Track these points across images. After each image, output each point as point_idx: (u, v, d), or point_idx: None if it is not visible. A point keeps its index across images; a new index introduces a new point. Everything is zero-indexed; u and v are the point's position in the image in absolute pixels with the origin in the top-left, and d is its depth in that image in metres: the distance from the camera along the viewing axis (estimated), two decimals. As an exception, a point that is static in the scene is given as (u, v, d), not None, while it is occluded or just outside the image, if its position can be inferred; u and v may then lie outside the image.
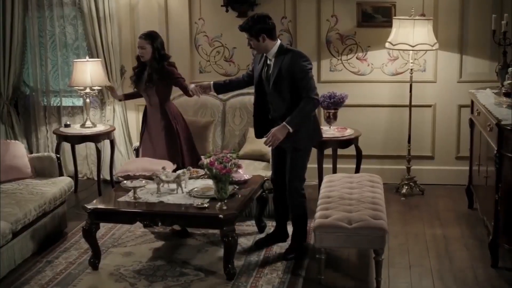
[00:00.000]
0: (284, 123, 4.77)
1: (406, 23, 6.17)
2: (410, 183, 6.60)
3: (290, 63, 4.78)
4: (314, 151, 6.21)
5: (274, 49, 4.86)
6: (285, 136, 4.79)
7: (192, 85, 5.41)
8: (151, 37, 5.65)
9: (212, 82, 5.36)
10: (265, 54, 4.93)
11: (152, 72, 5.62)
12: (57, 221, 5.58)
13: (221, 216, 4.56)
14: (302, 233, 5.15)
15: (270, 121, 5.00)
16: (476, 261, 4.95)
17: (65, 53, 7.25)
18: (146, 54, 5.61)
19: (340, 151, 6.48)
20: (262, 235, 5.44)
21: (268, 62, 4.92)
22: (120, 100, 6.57)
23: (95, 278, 4.76)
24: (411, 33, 6.11)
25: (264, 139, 4.88)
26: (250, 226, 5.68)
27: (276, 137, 4.77)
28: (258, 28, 4.80)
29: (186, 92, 5.70)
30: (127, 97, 6.29)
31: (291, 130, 4.75)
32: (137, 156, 6.10)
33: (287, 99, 4.84)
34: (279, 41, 4.91)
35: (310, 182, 6.54)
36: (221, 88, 5.39)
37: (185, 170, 5.17)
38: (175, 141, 5.74)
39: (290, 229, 5.25)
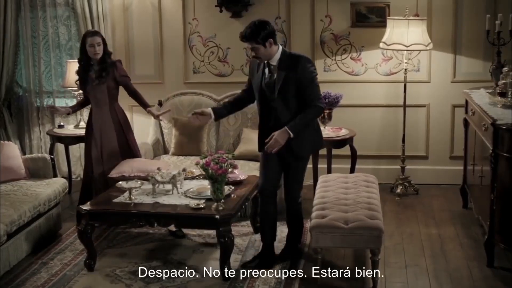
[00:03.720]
0: (285, 127, 4.59)
1: (400, 23, 6.18)
2: (405, 183, 6.61)
3: (297, 68, 4.58)
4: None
5: (278, 54, 4.66)
6: (286, 143, 4.64)
7: (189, 115, 4.99)
8: (101, 33, 5.72)
9: (210, 109, 4.96)
10: (265, 62, 4.71)
11: (102, 69, 5.58)
12: (51, 222, 5.56)
13: (217, 216, 4.55)
14: (297, 235, 5.12)
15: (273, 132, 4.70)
16: (472, 261, 4.96)
17: (58, 54, 7.22)
18: (101, 51, 5.59)
19: (334, 151, 6.48)
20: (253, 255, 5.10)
21: (271, 68, 4.70)
22: (68, 114, 6.19)
23: (90, 279, 4.74)
24: (405, 33, 6.13)
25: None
26: (245, 226, 5.67)
27: (277, 142, 4.58)
28: (265, 34, 4.55)
29: (130, 93, 5.75)
30: (76, 107, 6.07)
31: (292, 135, 4.59)
32: (87, 165, 5.82)
33: (293, 106, 4.66)
34: (280, 46, 4.73)
35: (305, 182, 6.53)
36: (221, 112, 5.03)
37: (180, 170, 5.16)
38: (126, 142, 5.76)
39: (281, 231, 5.22)
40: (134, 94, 5.77)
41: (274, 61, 4.68)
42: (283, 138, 4.59)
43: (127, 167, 5.54)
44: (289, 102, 4.66)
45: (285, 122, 4.64)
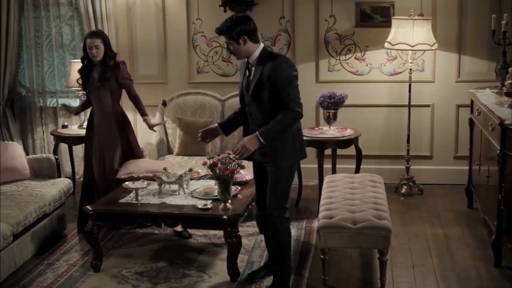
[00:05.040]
0: (256, 132, 4.18)
1: (405, 23, 6.17)
2: (409, 183, 6.60)
3: (272, 68, 4.17)
4: (314, 151, 6.23)
5: (257, 53, 4.26)
6: (264, 152, 4.27)
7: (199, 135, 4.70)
8: (102, 34, 5.59)
9: (217, 125, 4.69)
10: (246, 60, 4.36)
11: (105, 70, 5.48)
12: (56, 223, 5.54)
13: (225, 217, 4.54)
14: (271, 256, 4.65)
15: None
16: (478, 261, 4.96)
17: (61, 54, 7.20)
18: (100, 53, 5.48)
19: (338, 151, 6.45)
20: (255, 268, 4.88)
21: (250, 68, 4.34)
22: (77, 113, 6.24)
23: (97, 280, 4.72)
24: (410, 33, 6.12)
25: None
26: (250, 226, 5.65)
27: (245, 148, 4.19)
28: (239, 30, 4.18)
29: (131, 97, 5.67)
30: (84, 107, 6.02)
31: (262, 141, 4.17)
32: (87, 166, 5.77)
33: (266, 109, 4.23)
34: (262, 45, 4.32)
35: (310, 182, 6.56)
36: (229, 125, 4.66)
37: (186, 171, 5.15)
38: (128, 142, 5.73)
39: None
40: (134, 99, 5.69)
41: (252, 60, 4.30)
42: (253, 144, 4.19)
43: (135, 167, 5.52)
44: (262, 106, 4.25)
45: (259, 128, 4.24)
